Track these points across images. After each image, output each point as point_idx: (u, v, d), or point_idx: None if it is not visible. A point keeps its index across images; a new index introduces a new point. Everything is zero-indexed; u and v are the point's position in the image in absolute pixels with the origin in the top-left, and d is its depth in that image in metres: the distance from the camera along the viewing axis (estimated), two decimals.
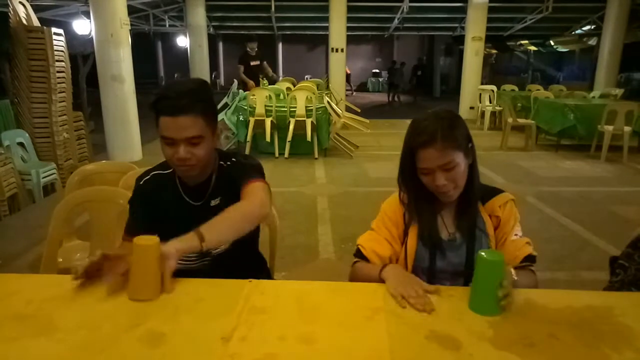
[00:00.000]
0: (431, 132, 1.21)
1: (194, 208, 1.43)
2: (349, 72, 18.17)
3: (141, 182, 1.46)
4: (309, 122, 6.29)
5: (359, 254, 1.38)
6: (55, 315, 1.05)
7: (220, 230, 1.23)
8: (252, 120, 6.41)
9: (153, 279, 1.13)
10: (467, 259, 1.32)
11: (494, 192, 1.38)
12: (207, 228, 1.20)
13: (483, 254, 1.07)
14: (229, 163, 1.46)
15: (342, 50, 10.36)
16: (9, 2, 4.61)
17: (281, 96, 7.19)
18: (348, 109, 8.26)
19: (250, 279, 1.22)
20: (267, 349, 0.93)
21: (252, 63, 8.06)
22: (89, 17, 6.57)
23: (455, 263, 1.33)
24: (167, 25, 14.11)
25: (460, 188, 1.28)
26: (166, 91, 1.29)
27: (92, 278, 1.16)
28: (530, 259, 1.29)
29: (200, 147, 1.31)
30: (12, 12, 4.61)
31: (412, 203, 1.35)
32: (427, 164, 1.23)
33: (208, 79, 12.01)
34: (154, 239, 1.11)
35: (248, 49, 8.09)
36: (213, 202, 1.43)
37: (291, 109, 6.46)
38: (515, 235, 1.32)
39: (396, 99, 16.65)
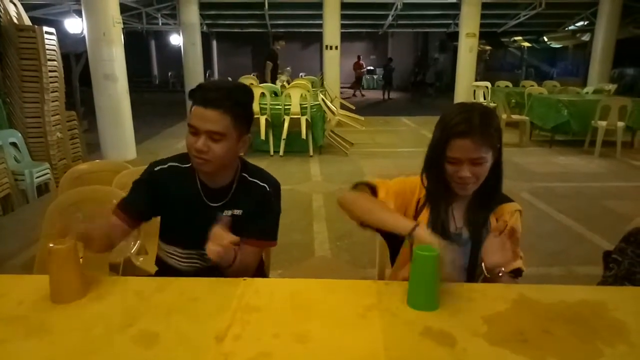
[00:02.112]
0: (472, 124, 1.20)
1: (208, 209, 1.40)
2: (363, 67, 17.54)
3: (156, 168, 1.44)
4: (303, 119, 6.28)
5: (366, 185, 1.34)
6: (46, 317, 1.04)
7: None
8: None
9: (74, 280, 1.11)
10: (471, 256, 1.31)
11: (505, 199, 1.38)
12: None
13: (417, 248, 1.07)
14: (256, 181, 1.44)
15: (336, 47, 10.32)
16: None
17: (276, 94, 7.18)
18: (343, 107, 8.25)
19: (244, 278, 1.22)
20: (261, 347, 0.92)
21: (278, 62, 8.09)
22: (81, 16, 6.52)
23: None
24: (160, 24, 14.04)
25: (478, 184, 1.27)
26: (206, 83, 1.34)
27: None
28: (518, 272, 1.30)
29: (220, 145, 1.29)
30: (2, 11, 4.56)
31: (430, 190, 1.35)
32: (459, 154, 1.22)
33: (202, 77, 11.93)
34: (69, 242, 1.09)
35: (277, 47, 8.03)
36: (227, 212, 1.41)
37: (286, 107, 6.45)
38: None
39: (390, 96, 16.66)
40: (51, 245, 1.07)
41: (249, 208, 1.41)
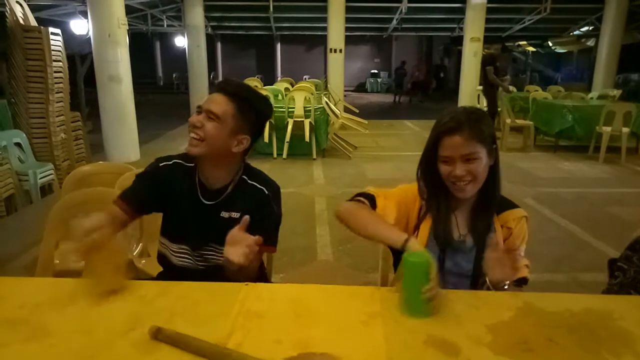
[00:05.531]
0: (459, 121, 1.21)
1: (203, 206, 1.41)
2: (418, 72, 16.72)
3: (161, 164, 1.45)
4: (307, 122, 6.28)
5: (364, 196, 1.33)
6: (47, 320, 1.03)
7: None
8: None
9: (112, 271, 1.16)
10: (475, 263, 1.30)
11: (510, 205, 1.37)
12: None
13: (407, 255, 1.07)
14: (254, 183, 1.43)
15: (340, 50, 10.35)
16: (5, 1, 4.59)
17: (279, 96, 7.19)
18: (346, 110, 8.25)
19: (247, 282, 1.21)
20: (263, 354, 0.92)
21: (497, 64, 7.83)
22: (86, 17, 6.55)
23: (462, 265, 1.31)
24: (165, 26, 14.08)
25: (477, 184, 1.25)
26: (232, 79, 1.42)
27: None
28: (523, 280, 1.29)
29: (212, 125, 1.32)
30: (9, 12, 4.58)
31: (429, 197, 1.33)
32: (450, 151, 1.22)
33: (206, 79, 11.98)
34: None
35: (493, 50, 7.95)
36: (224, 214, 1.40)
37: (289, 110, 6.45)
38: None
39: (401, 100, 16.64)
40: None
41: (246, 211, 1.37)
